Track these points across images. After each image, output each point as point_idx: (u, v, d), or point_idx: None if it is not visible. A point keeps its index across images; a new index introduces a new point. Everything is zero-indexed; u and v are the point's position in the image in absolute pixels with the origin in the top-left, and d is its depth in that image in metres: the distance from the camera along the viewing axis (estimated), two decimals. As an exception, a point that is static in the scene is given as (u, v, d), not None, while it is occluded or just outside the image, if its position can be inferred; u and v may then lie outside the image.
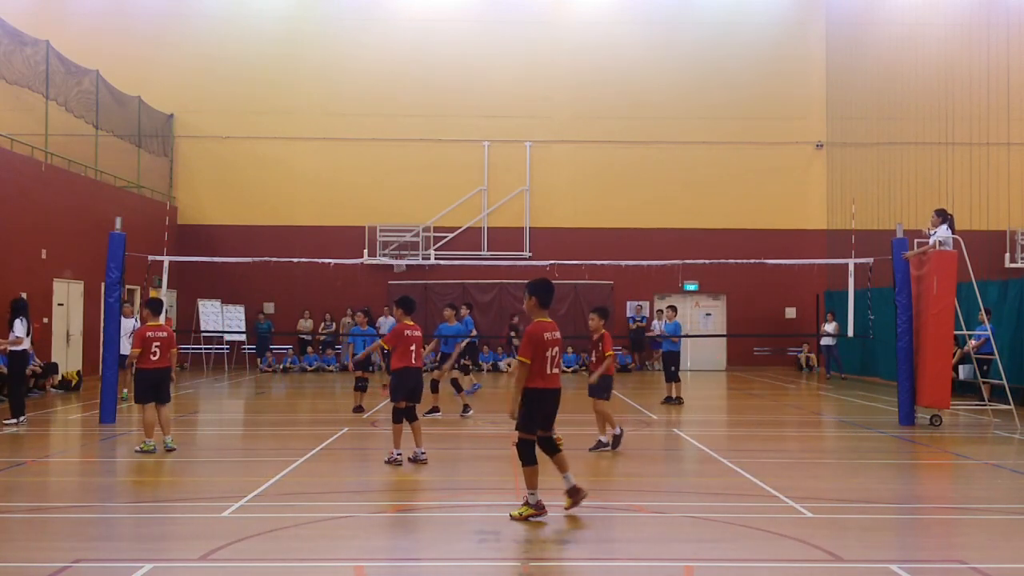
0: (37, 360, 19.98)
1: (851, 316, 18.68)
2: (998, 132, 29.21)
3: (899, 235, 16.16)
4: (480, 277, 29.95)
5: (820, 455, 13.36)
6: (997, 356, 16.65)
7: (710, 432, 15.87)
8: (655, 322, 28.76)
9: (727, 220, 30.58)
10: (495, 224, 30.78)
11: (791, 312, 30.78)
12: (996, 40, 28.66)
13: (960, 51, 29.18)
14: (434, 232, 30.28)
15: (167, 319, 22.05)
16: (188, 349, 29.32)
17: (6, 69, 21.37)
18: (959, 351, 17.58)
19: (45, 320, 21.97)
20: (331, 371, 29.00)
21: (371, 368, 18.73)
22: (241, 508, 9.01)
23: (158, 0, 30.64)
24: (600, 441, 12.58)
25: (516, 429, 8.78)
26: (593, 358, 12.67)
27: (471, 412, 16.56)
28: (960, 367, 18.32)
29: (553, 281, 9.24)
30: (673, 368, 19.13)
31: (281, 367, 29.06)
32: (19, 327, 15.04)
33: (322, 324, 29.71)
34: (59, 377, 21.34)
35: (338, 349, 29.77)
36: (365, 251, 29.66)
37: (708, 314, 31.16)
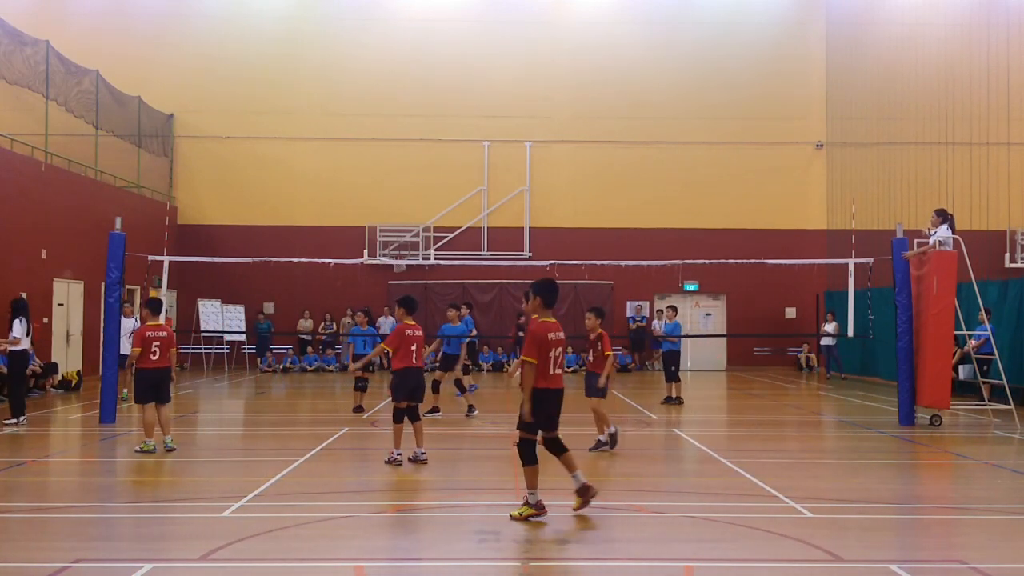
0: (37, 360, 19.98)
1: (851, 316, 18.68)
2: (998, 132, 29.21)
3: (899, 235, 16.16)
4: (480, 277, 29.95)
5: (820, 455, 13.36)
6: (997, 356, 16.65)
7: (710, 432, 15.87)
8: (655, 322, 28.77)
9: (727, 220, 30.58)
10: (495, 224, 30.78)
11: (791, 312, 30.78)
12: (996, 40, 28.66)
13: (960, 51, 29.17)
14: (434, 232, 30.28)
15: (167, 319, 22.06)
16: (188, 349, 29.33)
17: (6, 69, 21.37)
18: (959, 351, 17.58)
19: (45, 320, 21.97)
20: (331, 371, 28.99)
21: (371, 368, 18.71)
22: (241, 508, 9.01)
23: (158, 0, 30.64)
24: (599, 441, 12.58)
25: (518, 428, 8.78)
26: (591, 357, 12.66)
27: (476, 412, 16.56)
28: (960, 367, 18.32)
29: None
30: (673, 368, 19.13)
31: (281, 367, 29.05)
32: (17, 327, 15.04)
33: (322, 324, 29.70)
34: (59, 377, 21.34)
35: (338, 349, 29.78)
36: (365, 251, 29.66)
37: (708, 314, 31.16)
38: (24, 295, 18.11)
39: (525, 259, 29.52)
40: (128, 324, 17.78)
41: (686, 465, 12.46)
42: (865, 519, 8.83)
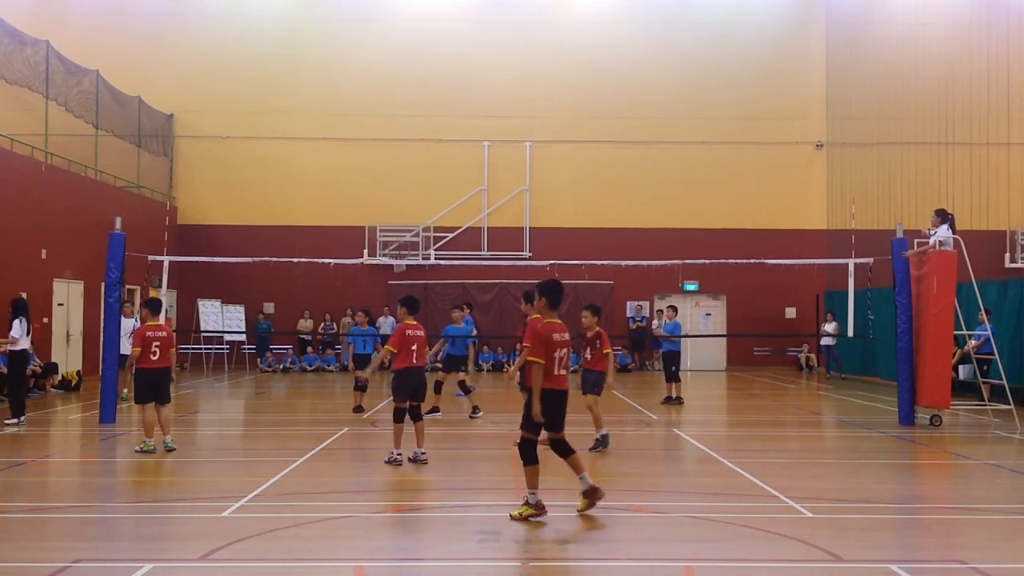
0: (37, 360, 19.98)
1: (851, 316, 18.68)
2: (998, 132, 29.21)
3: (899, 235, 16.16)
4: (480, 277, 29.95)
5: (820, 455, 13.36)
6: (997, 356, 16.65)
7: (710, 432, 15.87)
8: (655, 322, 28.78)
9: (727, 220, 30.58)
10: (495, 224, 30.78)
11: (791, 312, 30.78)
12: (996, 40, 28.66)
13: (960, 51, 29.17)
14: (434, 232, 30.28)
15: (167, 319, 22.05)
16: (188, 349, 29.33)
17: (6, 69, 21.37)
18: (959, 351, 17.59)
19: (45, 320, 21.97)
20: (331, 371, 28.99)
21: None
22: (241, 508, 9.01)
23: (158, 0, 30.64)
24: (597, 440, 12.57)
25: (521, 428, 8.78)
26: (588, 356, 12.65)
27: (480, 413, 16.56)
28: (960, 367, 18.32)
29: (553, 282, 9.24)
30: (673, 368, 19.13)
31: (281, 367, 29.05)
32: (17, 327, 15.04)
33: (322, 324, 29.71)
34: (59, 377, 21.34)
35: (338, 349, 29.77)
36: (365, 251, 29.66)
37: (708, 314, 31.16)
38: (24, 295, 18.11)
39: (525, 259, 29.52)
40: (128, 324, 17.78)
41: (686, 465, 12.46)
42: (865, 519, 8.83)
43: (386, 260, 29.72)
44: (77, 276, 23.68)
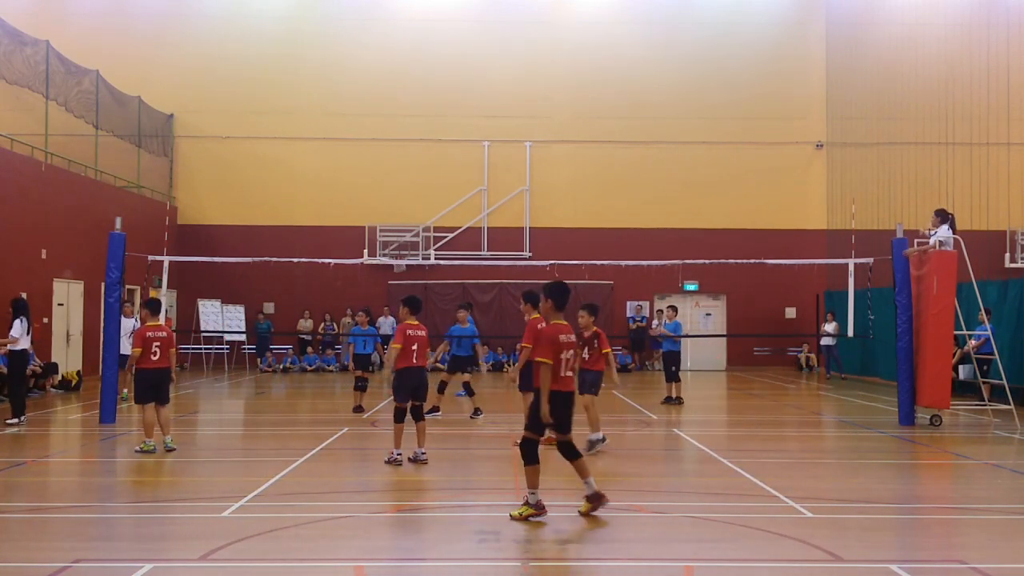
0: (37, 360, 19.98)
1: (851, 316, 18.68)
2: (998, 132, 29.21)
3: (899, 235, 16.16)
4: (480, 277, 29.95)
5: (820, 455, 13.36)
6: (997, 356, 16.65)
7: (710, 432, 15.87)
8: (655, 322, 28.76)
9: (727, 220, 30.58)
10: (495, 224, 30.78)
11: (791, 312, 30.78)
12: (996, 40, 28.65)
13: (960, 51, 29.16)
14: (434, 232, 30.28)
15: (167, 319, 22.06)
16: (188, 349, 29.33)
17: (6, 69, 21.37)
18: (959, 351, 17.59)
19: (45, 320, 21.97)
20: (331, 371, 28.99)
21: (371, 368, 18.70)
22: (241, 508, 9.02)
23: (158, 0, 30.65)
24: (598, 439, 12.56)
25: (525, 429, 8.78)
26: (586, 355, 12.63)
27: (482, 415, 16.54)
28: (960, 367, 18.32)
29: (552, 282, 9.24)
30: (673, 368, 19.13)
31: (281, 367, 29.05)
32: (17, 327, 15.04)
33: (322, 324, 29.70)
34: (59, 377, 21.34)
35: (338, 349, 29.77)
36: (365, 251, 29.66)
37: (708, 314, 31.16)
38: (24, 295, 18.11)
39: (525, 259, 29.53)
40: (128, 324, 17.78)
41: (686, 465, 12.46)
42: (865, 519, 8.83)
43: (386, 260, 29.72)
44: (77, 276, 23.69)
